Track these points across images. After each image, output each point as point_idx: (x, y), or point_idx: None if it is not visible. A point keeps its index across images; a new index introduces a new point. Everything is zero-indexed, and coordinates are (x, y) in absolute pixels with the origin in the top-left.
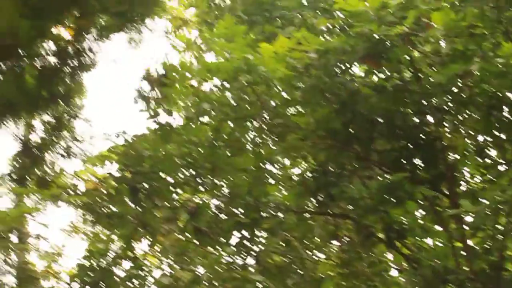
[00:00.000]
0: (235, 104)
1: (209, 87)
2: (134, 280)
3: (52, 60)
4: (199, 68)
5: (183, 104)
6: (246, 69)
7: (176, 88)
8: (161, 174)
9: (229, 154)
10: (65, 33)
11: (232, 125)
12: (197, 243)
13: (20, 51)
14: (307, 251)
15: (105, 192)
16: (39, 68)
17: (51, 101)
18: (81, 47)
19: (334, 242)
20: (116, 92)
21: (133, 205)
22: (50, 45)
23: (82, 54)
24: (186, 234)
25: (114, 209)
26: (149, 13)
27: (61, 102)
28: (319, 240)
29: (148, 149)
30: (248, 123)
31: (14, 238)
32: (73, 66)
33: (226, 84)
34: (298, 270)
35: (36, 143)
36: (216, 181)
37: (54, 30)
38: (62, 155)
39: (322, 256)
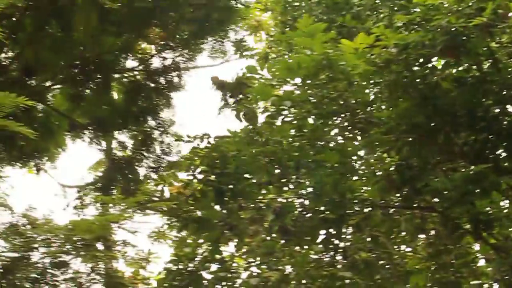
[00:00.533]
0: (316, 100)
1: (288, 86)
2: (222, 283)
3: (138, 74)
4: (279, 67)
5: (264, 103)
6: (327, 65)
7: (256, 88)
8: (245, 174)
9: (313, 151)
10: (148, 47)
11: (314, 122)
12: (284, 242)
13: (105, 66)
14: (394, 245)
15: (189, 195)
16: (125, 83)
17: (139, 116)
18: (165, 61)
19: (421, 235)
20: (201, 101)
21: (218, 208)
22: (135, 60)
23: (167, 69)
24: (273, 234)
25: (199, 213)
26: (228, 20)
27: (149, 117)
28: (405, 234)
29: (232, 150)
30: (331, 119)
31: (100, 246)
32: (159, 80)
33: (306, 81)
34: (386, 265)
35: (124, 157)
36: (300, 179)
37: (138, 45)
38: (150, 168)
39: (410, 250)
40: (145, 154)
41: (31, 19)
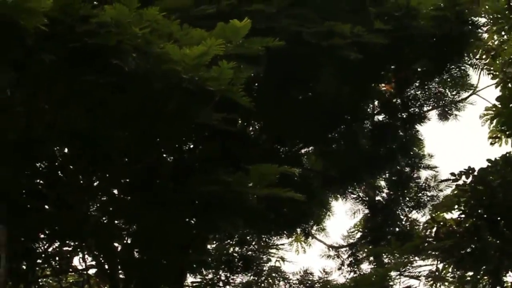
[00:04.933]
0: None
1: None
2: None
3: (381, 117)
4: None
5: None
6: None
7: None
8: None
9: None
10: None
11: None
12: None
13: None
14: None
15: (463, 231)
16: (370, 128)
17: (388, 157)
18: (405, 98)
19: None
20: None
21: (492, 239)
22: (375, 103)
23: (408, 105)
24: None
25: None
26: (466, 47)
27: (399, 156)
28: None
29: (497, 179)
30: None
31: None
32: (403, 118)
33: None
34: None
35: (383, 202)
36: None
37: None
38: (411, 208)
39: None
40: (403, 194)
41: (270, 90)
